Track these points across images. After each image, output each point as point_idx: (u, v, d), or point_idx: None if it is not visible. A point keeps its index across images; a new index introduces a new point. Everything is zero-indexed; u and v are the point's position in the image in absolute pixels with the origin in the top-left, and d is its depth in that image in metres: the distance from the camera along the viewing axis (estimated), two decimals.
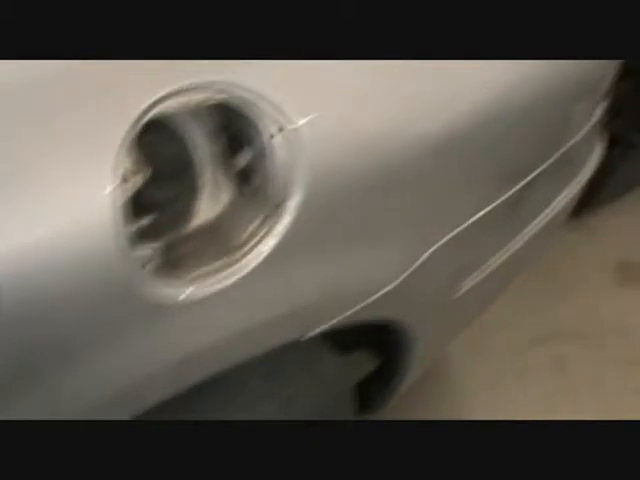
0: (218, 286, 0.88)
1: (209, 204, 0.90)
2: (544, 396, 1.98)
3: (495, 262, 1.33)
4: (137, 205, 0.81)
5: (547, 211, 1.41)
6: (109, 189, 0.76)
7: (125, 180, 0.78)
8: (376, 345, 1.38)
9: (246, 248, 0.90)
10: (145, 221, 0.84)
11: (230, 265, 0.89)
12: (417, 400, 1.79)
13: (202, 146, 0.88)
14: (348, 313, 1.07)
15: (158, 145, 0.85)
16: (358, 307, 1.07)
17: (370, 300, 1.08)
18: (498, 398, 1.91)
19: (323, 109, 0.87)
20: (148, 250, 0.83)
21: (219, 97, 0.82)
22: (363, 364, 1.37)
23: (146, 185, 0.82)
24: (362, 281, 1.06)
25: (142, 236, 0.82)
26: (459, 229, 1.16)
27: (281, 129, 0.85)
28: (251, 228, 0.90)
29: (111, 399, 0.87)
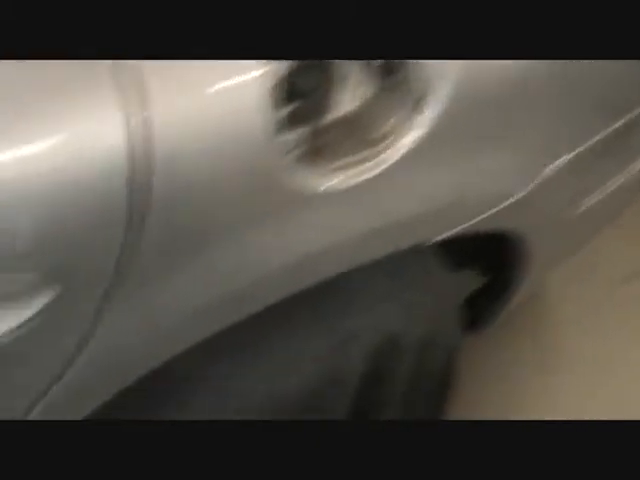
0: (358, 178, 0.87)
1: (351, 95, 0.89)
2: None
3: (612, 185, 1.31)
4: (282, 93, 0.80)
5: None
6: (260, 71, 0.75)
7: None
8: (487, 260, 1.36)
9: (387, 142, 0.88)
10: (290, 108, 0.83)
11: (370, 158, 0.88)
12: (516, 320, 1.78)
13: None
14: (476, 220, 1.05)
15: None
16: (487, 214, 1.06)
17: (498, 208, 1.06)
18: (598, 327, 1.89)
19: None
20: (292, 137, 0.81)
21: None
22: (474, 279, 1.36)
23: (290, 74, 0.81)
24: (493, 187, 1.04)
25: (286, 123, 0.81)
26: (582, 147, 1.14)
27: None
28: (392, 121, 0.89)
29: (249, 286, 0.87)
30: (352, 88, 0.89)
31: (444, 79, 0.86)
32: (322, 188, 0.85)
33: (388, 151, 0.89)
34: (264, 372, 1.02)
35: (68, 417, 0.86)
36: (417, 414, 1.31)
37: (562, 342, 1.87)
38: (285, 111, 0.82)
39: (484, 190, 1.04)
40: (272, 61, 0.76)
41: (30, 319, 0.73)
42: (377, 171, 0.88)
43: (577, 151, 1.13)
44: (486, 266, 1.38)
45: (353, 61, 0.88)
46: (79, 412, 0.88)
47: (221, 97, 0.75)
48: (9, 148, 0.66)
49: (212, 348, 0.93)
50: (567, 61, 0.98)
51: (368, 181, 0.88)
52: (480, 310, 1.45)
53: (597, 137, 1.15)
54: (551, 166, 1.11)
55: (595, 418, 1.51)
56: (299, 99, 0.86)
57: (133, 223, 0.73)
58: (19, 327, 0.73)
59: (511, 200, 1.07)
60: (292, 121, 0.83)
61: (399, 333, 1.14)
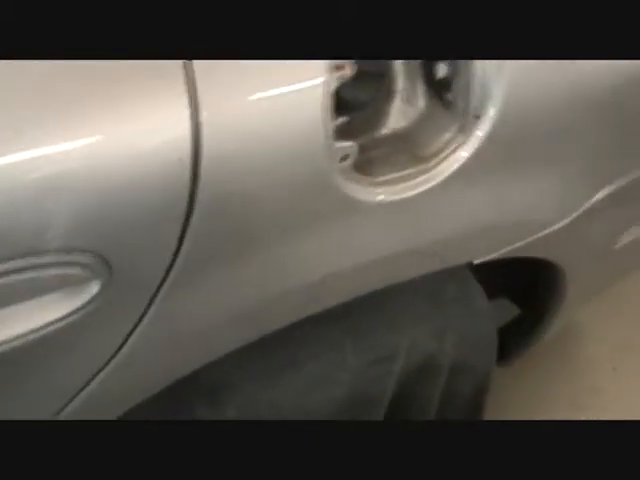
0: (409, 193, 0.88)
1: (404, 110, 0.90)
2: None
3: None
4: (340, 102, 0.81)
5: None
6: (324, 77, 0.76)
7: (337, 68, 0.77)
8: (522, 291, 1.36)
9: (438, 158, 0.89)
10: (347, 118, 0.84)
11: (421, 173, 0.89)
12: (549, 356, 1.77)
13: None
14: (516, 245, 1.05)
15: None
16: (527, 240, 1.06)
17: (538, 235, 1.07)
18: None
19: None
20: (347, 145, 0.82)
21: None
22: (507, 310, 1.35)
23: (348, 85, 0.82)
24: (535, 214, 1.05)
25: (342, 132, 0.83)
26: (627, 178, 1.14)
27: None
28: (444, 139, 0.90)
29: (296, 292, 0.87)
30: (406, 102, 0.90)
31: (493, 100, 0.87)
32: (377, 197, 0.85)
33: (439, 167, 0.90)
34: (295, 385, 1.03)
35: (98, 417, 0.87)
36: None
37: (594, 380, 1.85)
38: (342, 120, 0.83)
39: (526, 216, 1.04)
40: (330, 70, 0.76)
41: (78, 309, 0.74)
42: (426, 187, 0.89)
43: (619, 184, 1.13)
44: (521, 297, 1.38)
45: (408, 77, 0.89)
46: (109, 413, 0.89)
47: (280, 102, 0.75)
48: (75, 139, 0.66)
49: (245, 357, 0.94)
50: (616, 91, 0.99)
51: (417, 196, 0.89)
52: (512, 341, 1.45)
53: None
54: (594, 198, 1.11)
55: None
56: (355, 111, 0.87)
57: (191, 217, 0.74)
58: (67, 316, 0.74)
59: (552, 228, 1.08)
60: (348, 131, 0.84)
61: (433, 356, 1.14)
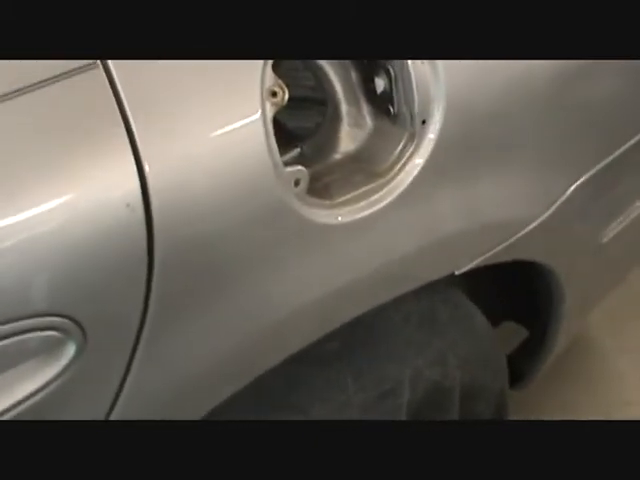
0: (369, 210, 0.88)
1: (353, 132, 0.91)
2: None
3: (638, 207, 1.29)
4: (288, 136, 0.82)
5: None
6: (259, 108, 0.77)
7: (273, 95, 0.78)
8: (525, 316, 1.34)
9: (394, 171, 0.90)
10: (297, 148, 0.85)
11: (380, 188, 0.89)
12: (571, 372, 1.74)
13: (340, 74, 0.89)
14: (497, 249, 1.04)
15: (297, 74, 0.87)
16: (505, 244, 1.05)
17: (516, 236, 1.06)
18: None
19: None
20: (296, 169, 0.82)
21: None
22: (514, 334, 1.33)
23: (294, 116, 0.83)
24: (509, 213, 1.04)
25: (295, 162, 0.83)
26: (600, 165, 1.13)
27: None
28: (397, 151, 0.90)
29: (274, 326, 0.86)
30: (354, 124, 0.91)
31: (436, 102, 0.88)
32: (338, 219, 0.85)
33: (395, 180, 0.90)
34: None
35: None
36: None
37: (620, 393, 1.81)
38: (293, 150, 0.84)
39: (498, 217, 1.03)
40: (265, 98, 0.77)
41: (57, 375, 0.73)
42: (387, 202, 0.89)
43: (591, 174, 1.13)
44: (527, 318, 1.37)
45: (350, 100, 0.90)
46: None
47: (222, 141, 0.76)
48: (20, 210, 0.67)
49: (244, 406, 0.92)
50: (556, 82, 0.99)
51: (379, 213, 0.88)
52: (524, 362, 1.42)
53: (612, 156, 1.15)
54: (568, 191, 1.11)
55: None
56: (304, 139, 0.88)
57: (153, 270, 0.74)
58: (48, 384, 0.73)
59: (530, 227, 1.07)
60: (301, 161, 0.84)
61: (439, 382, 1.12)
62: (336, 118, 0.91)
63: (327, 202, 0.86)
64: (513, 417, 1.30)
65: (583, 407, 1.73)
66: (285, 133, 0.85)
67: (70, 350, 0.73)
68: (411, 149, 0.90)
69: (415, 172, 0.90)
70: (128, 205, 0.70)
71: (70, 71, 0.69)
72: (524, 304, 1.37)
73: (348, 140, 0.91)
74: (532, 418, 1.46)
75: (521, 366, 1.42)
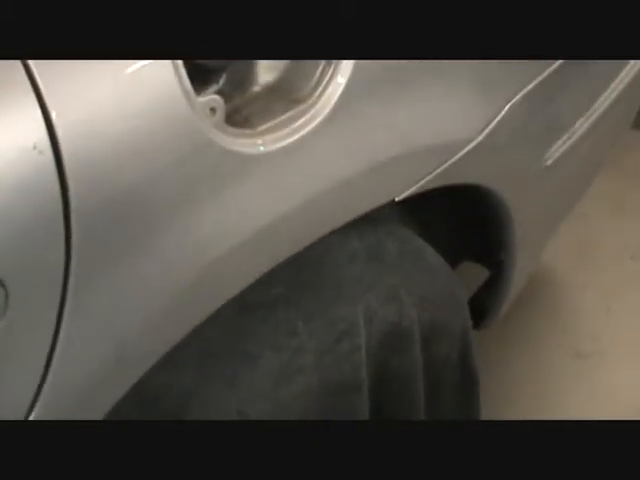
0: (293, 137, 0.85)
1: (271, 63, 0.87)
2: None
3: (581, 126, 1.26)
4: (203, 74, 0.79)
5: (623, 75, 1.35)
6: None
7: None
8: (483, 256, 1.32)
9: (316, 93, 0.87)
10: (214, 84, 0.83)
11: (303, 114, 0.86)
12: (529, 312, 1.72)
13: None
14: (437, 172, 1.01)
15: None
16: (443, 166, 1.02)
17: (455, 158, 1.03)
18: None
19: None
20: (210, 98, 0.78)
21: None
22: (476, 276, 1.31)
23: None
24: (442, 134, 1.01)
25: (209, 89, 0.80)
26: (535, 82, 1.11)
27: None
28: (317, 72, 0.87)
29: (212, 267, 0.82)
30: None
31: None
32: (260, 148, 0.82)
33: (318, 104, 0.87)
34: (261, 377, 0.96)
35: None
36: (446, 413, 1.23)
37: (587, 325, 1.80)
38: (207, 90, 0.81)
39: (433, 138, 1.00)
40: None
41: None
42: (311, 127, 0.86)
43: (531, 86, 1.10)
44: (481, 256, 1.34)
45: None
46: None
47: (132, 80, 0.73)
48: None
49: (184, 355, 0.88)
50: None
51: (304, 139, 0.85)
52: (486, 301, 1.40)
53: (547, 72, 1.12)
54: (503, 110, 1.08)
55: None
56: (220, 74, 0.85)
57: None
58: None
59: (468, 148, 1.04)
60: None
61: (395, 322, 1.09)
62: None
63: (248, 131, 0.82)
64: (479, 357, 1.27)
65: (552, 343, 1.72)
66: (200, 70, 0.82)
67: None
68: (331, 70, 0.87)
69: (339, 92, 0.87)
70: (35, 147, 0.66)
71: None
72: (479, 242, 1.35)
73: (265, 71, 0.88)
74: (501, 357, 1.44)
75: (484, 305, 1.40)
